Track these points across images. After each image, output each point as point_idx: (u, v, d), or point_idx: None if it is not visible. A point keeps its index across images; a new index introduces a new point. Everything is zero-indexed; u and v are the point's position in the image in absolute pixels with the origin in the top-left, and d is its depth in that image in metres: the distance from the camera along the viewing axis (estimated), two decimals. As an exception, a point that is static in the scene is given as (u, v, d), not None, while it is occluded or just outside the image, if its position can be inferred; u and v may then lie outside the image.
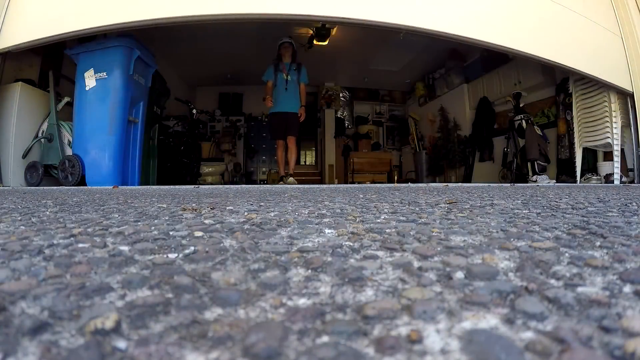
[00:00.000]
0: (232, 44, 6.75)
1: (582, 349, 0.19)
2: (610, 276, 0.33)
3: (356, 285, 0.31)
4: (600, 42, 3.91)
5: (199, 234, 0.53)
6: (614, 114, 3.86)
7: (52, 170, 3.39)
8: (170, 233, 0.54)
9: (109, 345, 0.20)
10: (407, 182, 6.12)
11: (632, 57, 3.91)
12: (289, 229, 0.59)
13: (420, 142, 8.43)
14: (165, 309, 0.25)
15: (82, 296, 0.27)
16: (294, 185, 3.60)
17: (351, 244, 0.47)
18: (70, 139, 3.36)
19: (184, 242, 0.48)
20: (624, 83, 3.85)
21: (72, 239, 0.50)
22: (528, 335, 0.21)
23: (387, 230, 0.57)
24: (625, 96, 3.94)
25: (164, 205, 1.00)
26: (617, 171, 3.93)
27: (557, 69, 4.01)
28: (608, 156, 4.22)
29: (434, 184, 4.04)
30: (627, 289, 0.29)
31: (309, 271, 0.35)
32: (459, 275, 0.33)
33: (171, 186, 2.85)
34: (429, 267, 0.36)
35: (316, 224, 0.64)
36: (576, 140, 4.36)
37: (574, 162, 4.44)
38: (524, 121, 4.82)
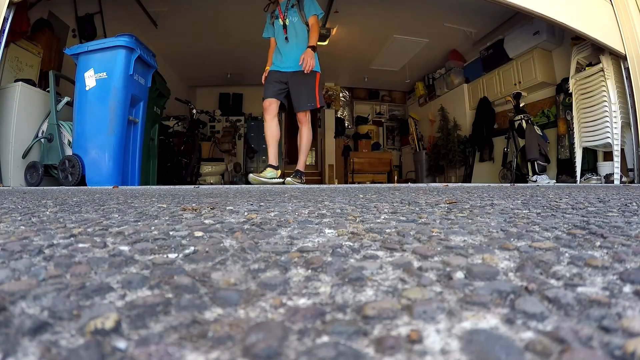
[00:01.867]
0: (232, 45, 6.75)
1: (582, 349, 0.19)
2: (610, 276, 0.33)
3: (356, 285, 0.31)
4: (590, 7, 4.00)
5: (199, 234, 0.53)
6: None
7: (52, 170, 3.40)
8: (170, 233, 0.54)
9: (109, 345, 0.20)
10: (407, 182, 6.11)
11: (623, 21, 3.97)
12: (289, 229, 0.59)
13: (420, 142, 8.44)
14: (165, 309, 0.25)
15: (82, 296, 0.27)
16: (294, 186, 2.80)
17: (351, 244, 0.47)
18: (70, 139, 3.36)
19: (184, 242, 0.48)
20: (616, 45, 3.93)
21: (72, 239, 0.49)
22: (528, 335, 0.21)
23: (387, 230, 0.57)
24: (618, 60, 3.97)
25: (164, 205, 1.00)
26: (617, 171, 3.93)
27: (548, 23, 4.09)
28: (608, 156, 4.22)
29: (434, 184, 4.04)
30: (627, 289, 0.29)
31: (309, 271, 0.35)
32: (459, 275, 0.33)
33: (171, 186, 2.85)
34: (429, 267, 0.36)
35: (316, 224, 0.64)
36: (576, 140, 4.36)
37: (574, 162, 4.44)
38: (524, 121, 4.82)
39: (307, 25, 3.07)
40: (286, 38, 3.07)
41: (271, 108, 3.03)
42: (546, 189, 2.17)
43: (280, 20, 3.12)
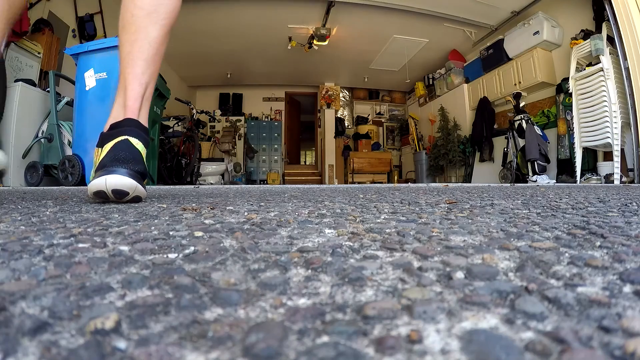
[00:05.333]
0: (232, 45, 6.74)
1: (582, 349, 0.19)
2: (610, 276, 0.33)
3: (356, 285, 0.31)
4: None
5: (199, 234, 0.53)
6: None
7: (52, 170, 3.40)
8: (170, 233, 0.54)
9: (109, 345, 0.20)
10: (407, 182, 6.11)
11: None
12: (289, 229, 0.59)
13: (420, 142, 8.44)
14: (165, 309, 0.25)
15: (82, 296, 0.27)
16: (294, 185, 2.81)
17: (351, 244, 0.47)
18: (70, 139, 3.36)
19: (184, 242, 0.48)
20: None
21: (72, 239, 0.49)
22: (528, 335, 0.21)
23: (387, 230, 0.57)
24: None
25: (164, 205, 1.00)
26: (617, 171, 3.93)
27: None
28: (608, 156, 4.22)
29: (434, 184, 4.04)
30: (627, 289, 0.29)
31: (309, 271, 0.35)
32: (459, 275, 0.33)
33: (171, 186, 2.85)
34: (429, 267, 0.36)
35: (316, 224, 0.64)
36: (576, 140, 4.36)
37: (574, 162, 4.44)
38: (523, 121, 4.82)
39: None
40: None
41: None
42: (546, 189, 2.18)
43: None
